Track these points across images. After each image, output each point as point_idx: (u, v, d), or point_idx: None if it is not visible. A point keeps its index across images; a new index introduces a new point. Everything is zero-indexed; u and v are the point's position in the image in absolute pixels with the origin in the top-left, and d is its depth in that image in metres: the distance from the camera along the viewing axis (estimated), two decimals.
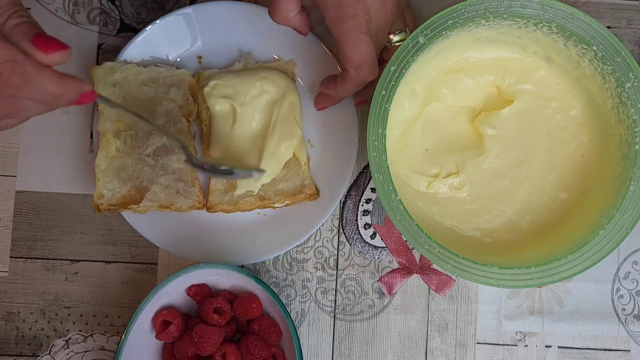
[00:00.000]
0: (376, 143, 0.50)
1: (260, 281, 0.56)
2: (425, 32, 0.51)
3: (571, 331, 0.63)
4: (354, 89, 0.53)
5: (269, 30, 0.62)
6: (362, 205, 0.64)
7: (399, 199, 0.50)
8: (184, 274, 0.57)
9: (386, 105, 0.50)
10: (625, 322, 0.63)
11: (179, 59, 0.62)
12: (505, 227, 0.58)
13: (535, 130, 0.58)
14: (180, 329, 0.58)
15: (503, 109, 0.58)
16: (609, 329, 0.63)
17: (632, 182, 0.51)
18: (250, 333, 0.59)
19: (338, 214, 0.63)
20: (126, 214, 0.60)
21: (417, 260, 0.63)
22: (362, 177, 0.64)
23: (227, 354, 0.57)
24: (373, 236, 0.63)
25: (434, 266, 0.63)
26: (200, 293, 0.59)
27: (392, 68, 0.51)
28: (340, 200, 0.63)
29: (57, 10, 0.64)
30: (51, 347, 0.63)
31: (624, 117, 0.53)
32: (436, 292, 0.63)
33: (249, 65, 0.62)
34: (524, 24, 0.53)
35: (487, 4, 0.51)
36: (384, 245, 0.63)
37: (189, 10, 0.61)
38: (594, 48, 0.52)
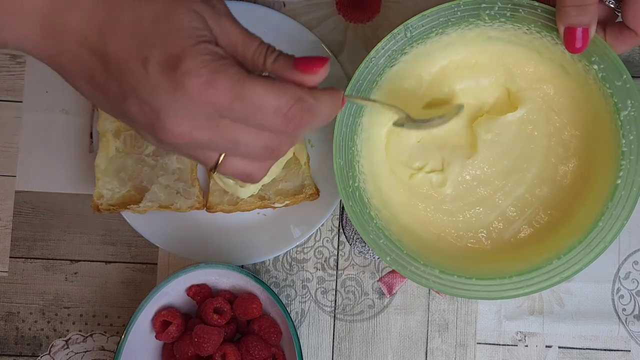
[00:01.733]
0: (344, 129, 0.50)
1: (260, 281, 0.56)
2: (409, 31, 0.51)
3: (571, 331, 0.63)
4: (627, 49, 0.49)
5: (269, 31, 0.62)
6: None
7: (357, 185, 0.50)
8: (183, 274, 0.57)
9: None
10: (626, 322, 0.63)
11: None
12: (479, 234, 0.57)
13: (533, 142, 0.57)
14: (180, 329, 0.58)
15: (506, 114, 0.57)
16: (610, 329, 0.63)
17: (603, 217, 0.50)
18: (250, 333, 0.59)
19: (338, 214, 0.63)
20: (126, 214, 0.60)
21: None
22: None
23: (227, 354, 0.57)
24: None
25: None
26: (200, 293, 0.59)
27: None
28: (340, 200, 0.63)
29: None
30: (51, 347, 0.63)
31: (615, 145, 0.51)
32: (436, 292, 0.63)
33: None
34: (527, 29, 0.51)
35: (484, 4, 0.50)
36: None
37: None
38: (595, 67, 0.49)
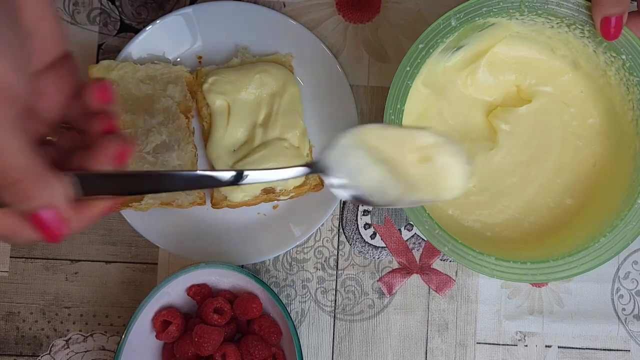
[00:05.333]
0: (393, 117, 0.50)
1: (260, 281, 0.56)
2: (458, 16, 0.51)
3: (571, 331, 0.63)
4: None
5: (270, 30, 0.62)
6: (362, 205, 0.64)
7: None
8: (184, 273, 0.57)
9: (408, 82, 0.50)
10: (625, 322, 0.63)
11: (179, 59, 0.63)
12: (506, 223, 0.58)
13: (550, 132, 0.58)
14: (180, 329, 0.58)
15: (520, 107, 0.58)
16: (609, 329, 0.63)
17: None
18: (251, 333, 0.59)
19: (338, 214, 0.63)
20: (126, 214, 0.60)
21: (417, 260, 0.63)
22: None
23: (227, 354, 0.57)
24: (373, 236, 0.63)
25: (434, 266, 0.63)
26: (200, 293, 0.59)
27: (420, 45, 0.51)
28: (340, 200, 0.63)
29: (57, 10, 0.64)
30: (51, 347, 0.63)
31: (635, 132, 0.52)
32: (436, 292, 0.63)
33: (246, 59, 0.62)
34: (557, 23, 0.52)
35: None
36: (384, 245, 0.63)
37: (189, 10, 0.61)
38: (623, 57, 0.51)
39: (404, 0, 0.64)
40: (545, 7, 0.51)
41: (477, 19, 0.51)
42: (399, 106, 0.50)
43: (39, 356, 0.62)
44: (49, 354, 0.63)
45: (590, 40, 0.52)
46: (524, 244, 0.56)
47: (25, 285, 0.63)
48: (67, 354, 0.63)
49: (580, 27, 0.51)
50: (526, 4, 0.51)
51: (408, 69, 0.51)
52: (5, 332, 0.63)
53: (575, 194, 0.57)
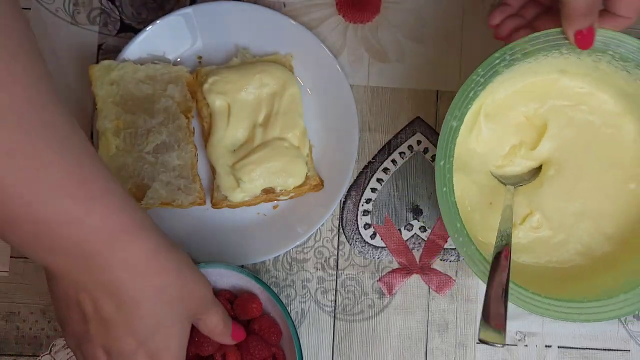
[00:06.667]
0: (446, 178, 0.50)
1: (260, 281, 0.56)
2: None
3: (571, 331, 0.63)
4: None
5: (270, 30, 0.62)
6: (362, 205, 0.64)
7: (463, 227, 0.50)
8: None
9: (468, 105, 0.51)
10: (625, 322, 0.63)
11: (179, 59, 0.63)
12: (579, 252, 0.58)
13: (603, 152, 0.58)
14: None
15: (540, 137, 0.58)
16: (609, 329, 0.63)
17: None
18: (250, 333, 0.59)
19: (338, 214, 0.63)
20: None
21: (417, 260, 0.63)
22: (362, 177, 0.64)
23: (227, 354, 0.57)
24: (373, 236, 0.63)
25: (434, 266, 0.63)
26: None
27: (479, 72, 0.51)
28: (340, 201, 0.63)
29: (57, 10, 0.64)
30: (51, 346, 0.62)
31: None
32: (436, 292, 0.63)
33: (246, 59, 0.62)
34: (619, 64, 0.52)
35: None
36: (384, 245, 0.63)
37: (189, 10, 0.61)
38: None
39: (404, 0, 0.64)
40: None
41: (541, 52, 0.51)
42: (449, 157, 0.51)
43: (39, 356, 0.62)
44: (49, 353, 0.63)
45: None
46: (593, 274, 0.56)
47: (26, 285, 0.63)
48: (68, 354, 0.63)
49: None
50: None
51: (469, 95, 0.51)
52: (6, 332, 0.63)
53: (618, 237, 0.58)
